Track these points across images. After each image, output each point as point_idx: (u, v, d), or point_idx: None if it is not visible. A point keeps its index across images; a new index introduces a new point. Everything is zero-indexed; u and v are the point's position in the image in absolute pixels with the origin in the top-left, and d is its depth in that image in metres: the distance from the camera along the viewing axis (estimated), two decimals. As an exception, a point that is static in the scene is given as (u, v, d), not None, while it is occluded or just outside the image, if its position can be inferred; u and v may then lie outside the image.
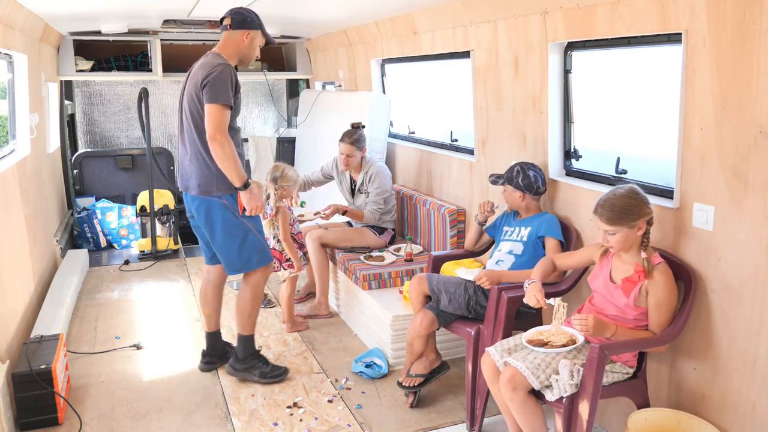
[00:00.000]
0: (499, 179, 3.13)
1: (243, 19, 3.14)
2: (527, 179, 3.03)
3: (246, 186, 3.09)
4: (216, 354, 3.53)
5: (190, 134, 3.12)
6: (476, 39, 3.63)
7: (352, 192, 4.42)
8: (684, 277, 2.40)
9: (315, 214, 4.28)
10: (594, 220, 2.37)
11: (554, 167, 3.20)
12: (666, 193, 2.58)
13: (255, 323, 3.39)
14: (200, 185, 3.12)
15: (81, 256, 5.15)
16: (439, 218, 4.09)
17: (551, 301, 2.44)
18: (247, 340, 3.37)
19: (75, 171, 6.40)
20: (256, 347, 3.45)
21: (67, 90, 6.47)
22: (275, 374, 3.36)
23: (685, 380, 2.47)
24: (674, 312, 2.34)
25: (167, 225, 5.74)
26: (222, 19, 3.17)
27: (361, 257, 4.06)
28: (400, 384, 3.11)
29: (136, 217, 5.79)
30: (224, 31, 3.17)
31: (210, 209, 3.15)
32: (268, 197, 3.80)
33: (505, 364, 2.41)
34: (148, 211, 5.60)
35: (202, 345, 3.60)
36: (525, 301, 2.56)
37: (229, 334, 3.96)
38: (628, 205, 2.29)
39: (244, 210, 3.14)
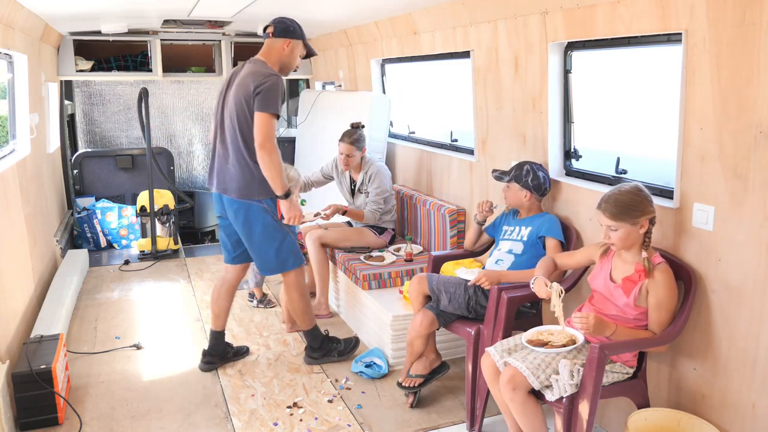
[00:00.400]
0: (505, 176, 3.10)
1: (285, 28, 3.24)
2: (537, 180, 3.03)
3: (287, 195, 3.16)
4: (217, 354, 3.54)
5: (234, 138, 3.17)
6: (476, 39, 3.63)
7: (352, 192, 4.42)
8: (684, 277, 2.40)
9: (315, 215, 4.27)
10: (597, 216, 2.38)
11: (554, 167, 3.20)
12: (666, 193, 2.58)
13: (312, 316, 3.55)
14: (241, 189, 3.17)
15: (81, 256, 5.15)
16: (439, 218, 4.09)
17: (551, 287, 2.44)
18: (313, 332, 3.54)
19: (75, 171, 6.40)
20: (326, 330, 3.66)
21: (67, 90, 6.47)
22: (350, 347, 3.59)
23: (685, 380, 2.47)
24: (674, 312, 2.34)
25: (167, 225, 5.74)
26: (266, 27, 3.29)
27: (361, 257, 4.06)
28: (400, 384, 3.11)
29: (136, 217, 5.79)
30: (266, 39, 3.28)
31: (249, 213, 3.21)
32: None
33: (505, 364, 2.41)
34: (148, 211, 5.61)
35: (202, 345, 3.60)
36: (537, 295, 2.55)
37: (229, 334, 3.96)
38: (632, 201, 2.30)
39: (283, 216, 3.24)
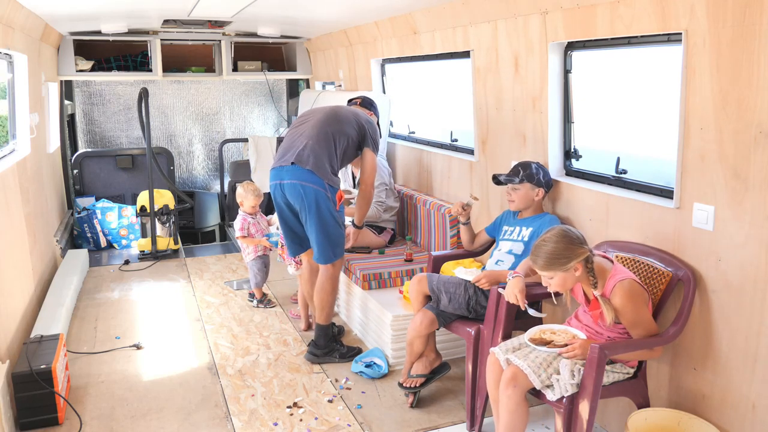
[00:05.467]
0: (515, 177, 3.05)
1: (370, 102, 3.97)
2: (547, 176, 3.08)
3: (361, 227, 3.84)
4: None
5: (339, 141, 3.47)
6: (476, 39, 3.63)
7: (354, 186, 4.46)
8: (684, 277, 2.40)
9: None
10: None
11: (554, 167, 3.20)
12: (666, 193, 2.58)
13: (332, 314, 3.63)
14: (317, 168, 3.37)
15: (81, 256, 5.15)
16: (439, 218, 4.09)
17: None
18: (326, 329, 3.59)
19: (75, 171, 6.40)
20: (334, 330, 3.74)
21: (67, 90, 6.47)
22: (352, 353, 3.60)
23: (685, 380, 2.47)
24: (651, 322, 2.33)
25: (167, 225, 5.73)
26: (352, 99, 4.00)
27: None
28: (401, 385, 3.11)
29: (136, 217, 5.79)
30: (353, 106, 3.86)
31: (318, 196, 3.36)
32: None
33: (507, 361, 2.41)
34: (148, 211, 5.60)
35: (202, 345, 3.59)
36: (506, 298, 2.57)
37: (230, 334, 3.97)
38: (556, 251, 2.27)
39: (341, 205, 3.50)
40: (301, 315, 4.10)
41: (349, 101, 4.01)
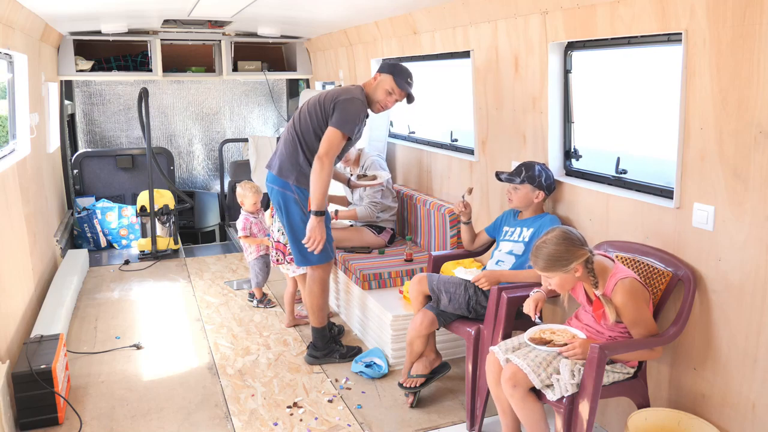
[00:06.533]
0: (516, 177, 3.05)
1: (384, 64, 3.38)
2: (549, 179, 3.05)
3: (320, 214, 3.22)
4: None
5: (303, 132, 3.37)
6: (476, 39, 3.63)
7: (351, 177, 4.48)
8: (684, 277, 2.40)
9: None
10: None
11: (554, 167, 3.20)
12: (666, 193, 2.58)
13: (326, 315, 3.60)
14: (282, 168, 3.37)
15: (81, 256, 5.15)
16: (439, 218, 4.09)
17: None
18: (322, 331, 3.58)
19: (75, 171, 6.40)
20: (334, 330, 3.76)
21: (67, 90, 6.47)
22: (352, 353, 3.60)
23: (685, 380, 2.47)
24: (651, 321, 2.33)
25: (167, 225, 5.74)
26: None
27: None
28: (401, 385, 3.11)
29: (136, 217, 5.79)
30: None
31: (286, 199, 3.39)
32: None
33: (506, 361, 2.41)
34: (148, 211, 5.61)
35: (202, 345, 3.59)
36: (524, 310, 2.56)
37: (230, 334, 3.97)
38: (557, 253, 2.27)
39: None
40: (286, 310, 4.14)
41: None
